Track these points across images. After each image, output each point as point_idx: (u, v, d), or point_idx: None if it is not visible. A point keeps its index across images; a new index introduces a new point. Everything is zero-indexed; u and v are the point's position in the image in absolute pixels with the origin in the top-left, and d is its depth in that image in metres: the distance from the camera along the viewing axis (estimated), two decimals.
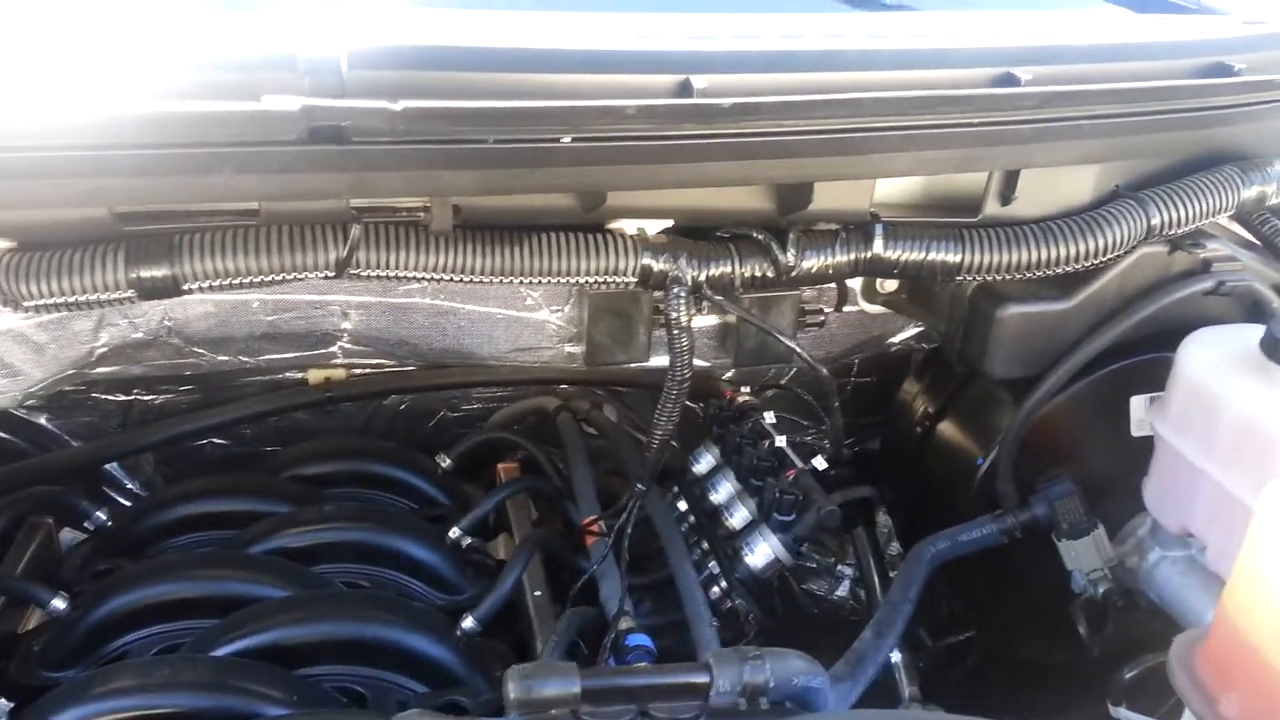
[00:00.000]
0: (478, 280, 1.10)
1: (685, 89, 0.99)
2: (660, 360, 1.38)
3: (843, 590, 1.93)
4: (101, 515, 1.47)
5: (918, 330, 1.54)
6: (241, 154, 0.89)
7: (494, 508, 1.48)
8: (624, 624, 1.19)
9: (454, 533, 1.43)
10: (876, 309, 1.46)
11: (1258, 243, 1.42)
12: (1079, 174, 1.26)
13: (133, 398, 1.55)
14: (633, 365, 1.39)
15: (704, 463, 1.51)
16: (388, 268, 1.07)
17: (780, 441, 1.39)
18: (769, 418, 1.45)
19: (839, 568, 1.93)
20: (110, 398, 1.55)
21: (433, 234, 1.07)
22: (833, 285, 1.42)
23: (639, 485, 1.31)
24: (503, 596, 1.28)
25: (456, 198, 1.06)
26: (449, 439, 1.63)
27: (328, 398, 1.62)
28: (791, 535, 1.32)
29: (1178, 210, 1.25)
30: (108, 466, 1.57)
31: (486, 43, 0.98)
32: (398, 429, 1.73)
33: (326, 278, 1.06)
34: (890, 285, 1.44)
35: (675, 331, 1.17)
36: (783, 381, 1.68)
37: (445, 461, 1.61)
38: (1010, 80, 1.13)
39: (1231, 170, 1.29)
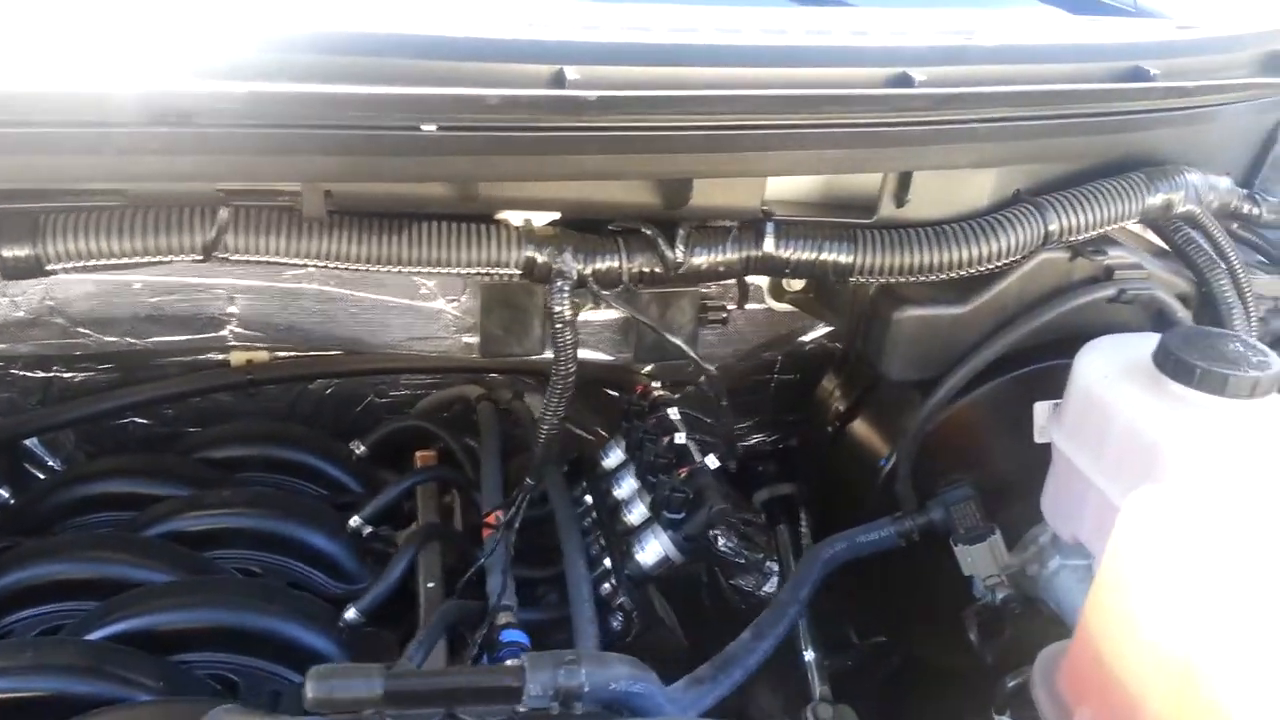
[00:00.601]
0: (353, 268, 1.08)
1: (559, 80, 0.97)
2: (585, 352, 1.38)
3: (770, 586, 1.92)
4: (4, 493, 1.46)
5: (829, 329, 1.52)
6: (86, 135, 0.88)
7: (396, 497, 1.47)
8: (503, 619, 1.18)
9: (354, 521, 1.43)
10: (784, 307, 1.45)
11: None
12: (978, 177, 1.24)
13: (53, 374, 1.54)
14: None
15: (612, 457, 1.49)
16: (258, 253, 1.05)
17: (681, 438, 1.38)
18: (673, 413, 1.43)
19: (767, 564, 1.92)
20: (30, 374, 1.54)
21: (305, 219, 1.06)
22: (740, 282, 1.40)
23: (528, 480, 1.30)
24: (387, 588, 1.27)
25: (327, 183, 1.04)
26: (375, 425, 1.63)
27: (249, 380, 1.61)
28: (682, 534, 1.31)
29: (1077, 216, 1.23)
30: (29, 443, 1.57)
31: (354, 27, 0.96)
32: (324, 413, 1.71)
33: (196, 261, 1.04)
34: (797, 284, 1.42)
35: (559, 326, 1.15)
36: (701, 379, 1.67)
37: (359, 448, 1.60)
38: (905, 81, 1.11)
39: (1137, 177, 1.27)
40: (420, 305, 1.32)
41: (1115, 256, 1.29)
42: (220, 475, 1.47)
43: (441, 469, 1.54)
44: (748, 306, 1.44)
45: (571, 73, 0.97)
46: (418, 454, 1.61)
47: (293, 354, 1.53)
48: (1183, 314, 1.31)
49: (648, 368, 1.62)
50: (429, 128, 0.94)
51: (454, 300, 1.32)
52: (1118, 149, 1.31)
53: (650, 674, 0.82)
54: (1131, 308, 1.32)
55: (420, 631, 1.13)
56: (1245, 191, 1.44)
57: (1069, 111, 1.20)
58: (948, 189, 1.23)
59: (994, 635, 1.33)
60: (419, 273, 1.12)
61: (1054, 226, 1.22)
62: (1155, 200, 1.26)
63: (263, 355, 1.58)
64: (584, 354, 1.21)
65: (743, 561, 1.97)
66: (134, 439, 1.63)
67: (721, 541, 1.73)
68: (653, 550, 1.30)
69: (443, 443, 1.59)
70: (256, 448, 1.53)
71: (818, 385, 1.65)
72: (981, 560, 1.34)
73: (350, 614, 1.25)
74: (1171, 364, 1.13)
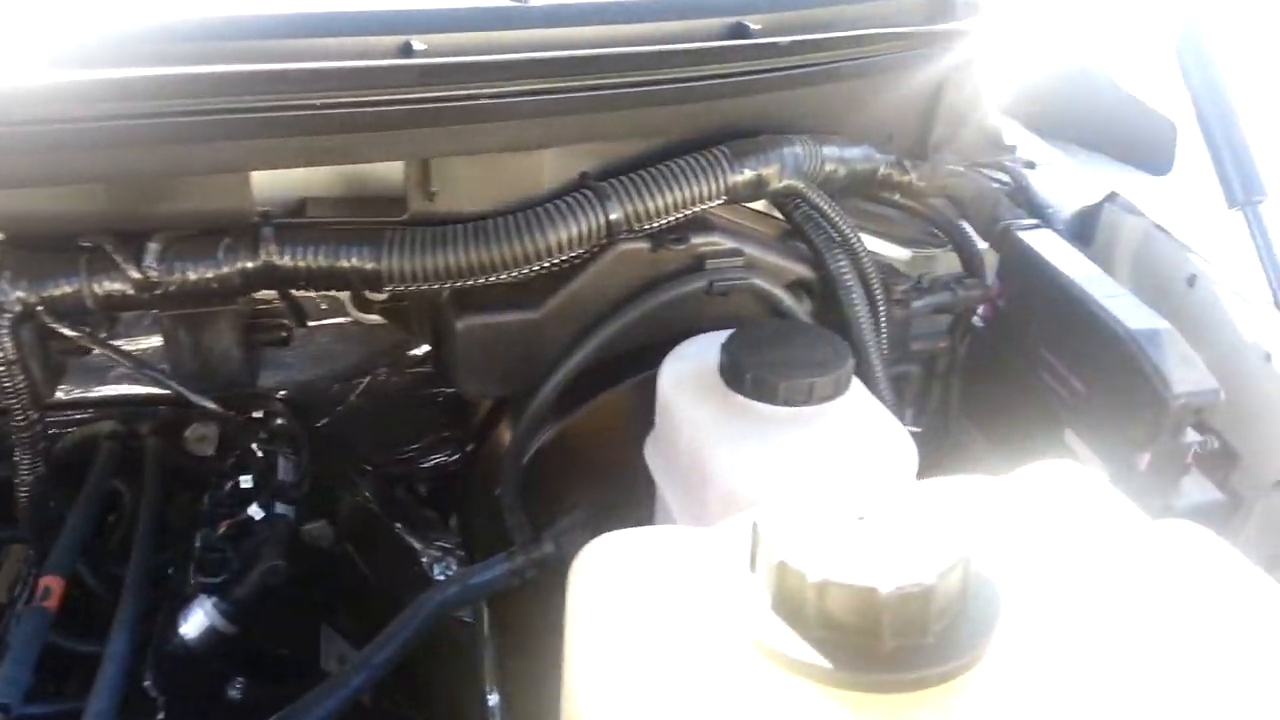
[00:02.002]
0: None
1: None
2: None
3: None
4: None
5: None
6: None
7: None
8: None
9: None
10: (373, 318, 1.26)
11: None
12: (530, 160, 1.06)
13: None
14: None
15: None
16: None
17: (246, 481, 1.18)
18: (258, 450, 1.24)
19: None
20: None
21: None
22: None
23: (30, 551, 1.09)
24: None
25: None
26: None
27: None
28: (231, 600, 1.11)
29: (646, 201, 1.06)
30: None
31: None
32: None
33: None
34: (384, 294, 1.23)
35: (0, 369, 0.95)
36: (353, 397, 1.48)
37: None
38: (406, 51, 0.93)
39: (720, 152, 1.10)
40: None
41: (708, 243, 1.12)
42: None
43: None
44: (338, 320, 1.25)
45: None
46: None
47: None
48: (790, 304, 1.16)
49: (282, 393, 1.42)
50: None
51: None
52: (715, 118, 1.14)
53: None
54: (746, 300, 1.16)
55: None
56: (892, 158, 1.29)
57: (627, 80, 1.02)
58: (491, 176, 1.05)
59: None
60: None
61: (617, 215, 1.05)
62: (742, 177, 1.10)
63: None
64: None
65: None
66: None
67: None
68: (195, 621, 1.10)
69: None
70: None
71: None
72: None
73: None
74: (727, 369, 0.98)
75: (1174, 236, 1.33)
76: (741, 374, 0.95)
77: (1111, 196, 1.43)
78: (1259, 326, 1.20)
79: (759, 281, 1.13)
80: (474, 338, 1.10)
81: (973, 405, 1.36)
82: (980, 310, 1.33)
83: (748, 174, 1.10)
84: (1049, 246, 1.23)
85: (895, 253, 1.37)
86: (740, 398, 0.96)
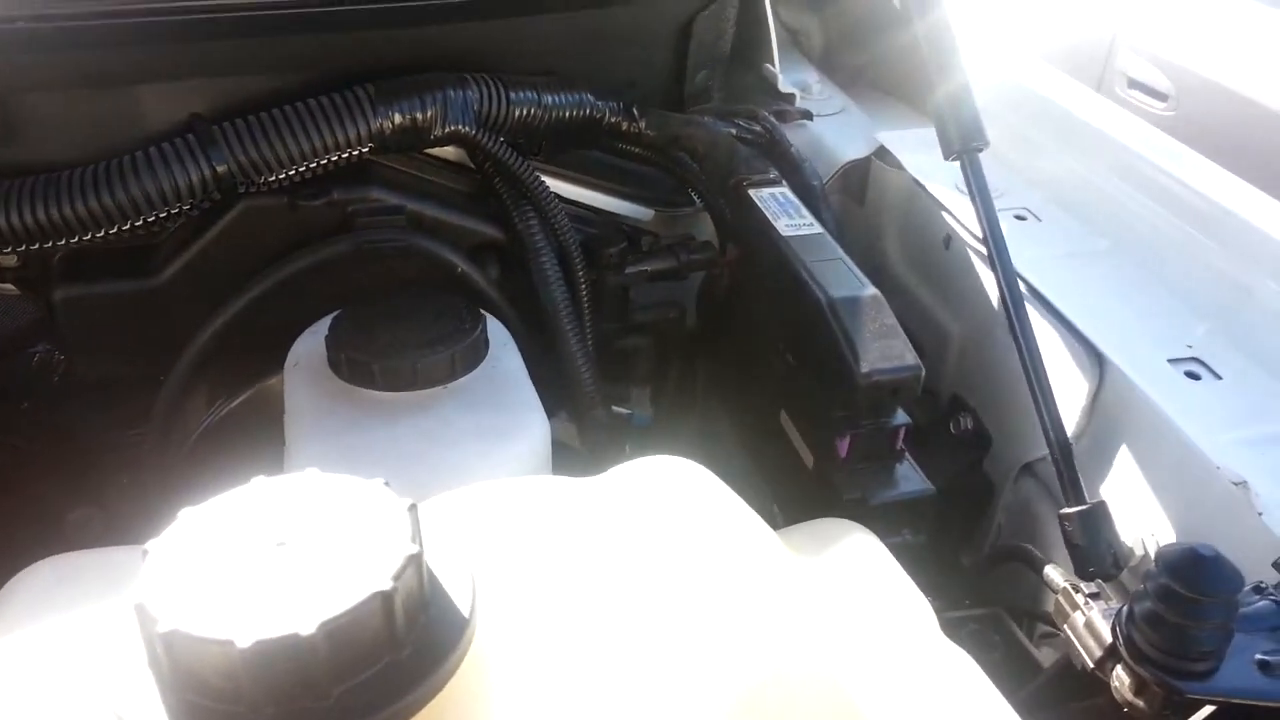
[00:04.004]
0: None
1: None
2: None
3: None
4: None
5: None
6: None
7: None
8: None
9: None
10: (7, 288, 1.08)
11: None
12: (123, 99, 0.90)
13: None
14: None
15: None
16: None
17: None
18: None
19: None
20: None
21: None
22: None
23: None
24: None
25: None
26: None
27: None
28: None
29: (264, 150, 0.89)
30: None
31: None
32: None
33: None
34: (11, 259, 1.06)
35: None
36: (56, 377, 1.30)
37: None
38: None
39: (360, 93, 0.94)
40: None
41: (359, 199, 0.97)
42: None
43: None
44: None
45: None
46: None
47: None
48: (466, 269, 1.00)
49: None
50: None
51: None
52: (374, 52, 0.98)
53: None
54: (417, 266, 1.01)
55: None
56: (615, 104, 1.14)
57: (230, 3, 0.86)
58: (76, 117, 0.89)
59: None
60: None
61: (226, 165, 0.89)
62: (390, 121, 0.94)
63: None
64: None
65: None
66: None
67: None
68: None
69: None
70: None
71: None
72: None
73: None
74: (329, 350, 0.83)
75: (931, 194, 1.20)
76: (338, 355, 0.80)
77: (879, 151, 1.30)
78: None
79: (422, 243, 0.98)
80: (76, 310, 0.94)
81: (717, 383, 1.22)
82: (724, 276, 1.19)
83: (398, 118, 0.94)
84: (775, 205, 1.09)
85: (635, 212, 1.22)
86: (340, 383, 0.81)
